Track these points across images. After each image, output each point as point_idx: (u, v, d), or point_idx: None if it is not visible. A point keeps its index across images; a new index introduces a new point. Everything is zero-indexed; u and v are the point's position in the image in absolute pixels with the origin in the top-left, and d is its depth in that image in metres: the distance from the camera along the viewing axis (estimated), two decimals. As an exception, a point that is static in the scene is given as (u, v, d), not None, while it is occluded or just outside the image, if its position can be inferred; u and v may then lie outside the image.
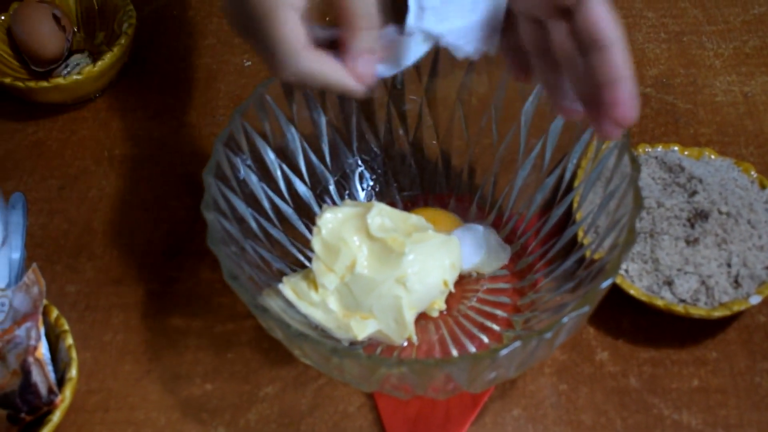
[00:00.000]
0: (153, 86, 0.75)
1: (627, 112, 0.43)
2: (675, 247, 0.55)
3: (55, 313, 0.55)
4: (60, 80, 0.70)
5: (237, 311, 0.59)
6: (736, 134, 0.67)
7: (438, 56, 0.58)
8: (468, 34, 0.47)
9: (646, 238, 0.56)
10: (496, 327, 0.56)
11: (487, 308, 0.57)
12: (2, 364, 0.53)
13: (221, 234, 0.49)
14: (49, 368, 0.53)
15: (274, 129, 0.57)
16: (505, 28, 0.48)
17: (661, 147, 0.62)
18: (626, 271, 0.55)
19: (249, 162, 0.55)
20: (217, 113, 0.72)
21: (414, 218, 0.55)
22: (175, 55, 0.78)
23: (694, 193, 0.57)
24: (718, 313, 0.53)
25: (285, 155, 0.58)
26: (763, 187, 0.59)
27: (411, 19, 0.45)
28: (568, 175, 0.57)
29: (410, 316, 0.53)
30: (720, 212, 0.56)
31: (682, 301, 0.54)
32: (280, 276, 0.55)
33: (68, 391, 0.52)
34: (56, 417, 0.51)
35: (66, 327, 0.55)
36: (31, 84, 0.70)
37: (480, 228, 0.59)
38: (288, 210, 0.58)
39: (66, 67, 0.74)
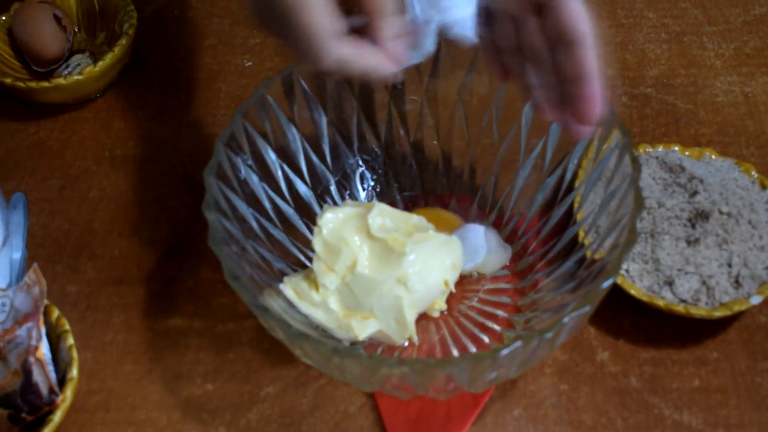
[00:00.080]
0: (154, 86, 0.75)
1: (592, 108, 0.43)
2: (676, 248, 0.55)
3: (56, 313, 0.55)
4: (61, 80, 0.70)
5: (238, 311, 0.59)
6: (737, 134, 0.67)
7: (439, 56, 0.58)
8: (469, 23, 0.47)
9: (647, 238, 0.56)
10: (496, 327, 0.56)
11: (488, 308, 0.57)
12: (3, 364, 0.53)
13: (222, 234, 0.49)
14: (50, 368, 0.53)
15: (275, 129, 0.57)
16: (485, 26, 0.48)
17: (661, 147, 0.62)
18: (627, 271, 0.55)
19: (250, 162, 0.55)
20: (218, 113, 0.72)
21: (415, 218, 0.55)
22: (175, 56, 0.78)
23: (694, 193, 0.58)
24: (718, 313, 0.53)
25: (286, 155, 0.58)
26: (763, 187, 0.59)
27: (417, 8, 0.46)
28: (568, 176, 0.57)
29: (411, 316, 0.53)
30: (721, 212, 0.56)
31: (683, 301, 0.54)
32: (281, 276, 0.55)
33: (69, 391, 0.52)
34: (57, 417, 0.51)
35: (67, 327, 0.55)
36: (32, 84, 0.70)
37: (481, 228, 0.59)
38: (289, 210, 0.58)
39: (67, 67, 0.74)
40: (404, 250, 0.51)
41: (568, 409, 0.53)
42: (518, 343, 0.42)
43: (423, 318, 0.56)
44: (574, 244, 0.55)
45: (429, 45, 0.48)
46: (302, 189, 0.59)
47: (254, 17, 0.47)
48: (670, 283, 0.54)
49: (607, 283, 0.44)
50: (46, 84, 0.70)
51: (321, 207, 0.59)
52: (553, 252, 0.56)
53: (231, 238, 0.50)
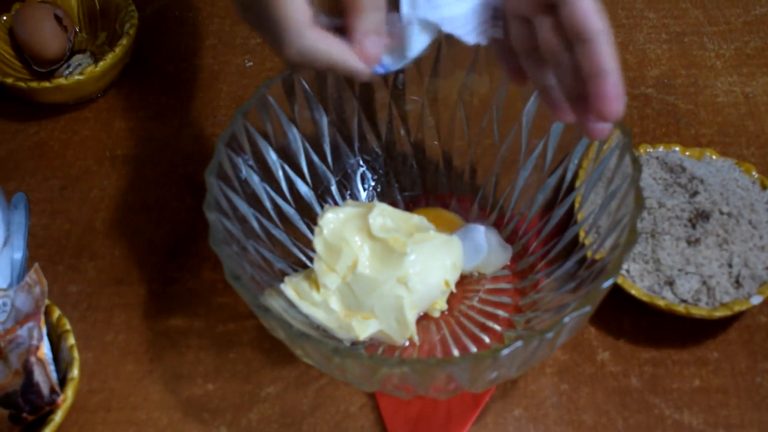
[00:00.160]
0: (155, 86, 0.76)
1: (613, 106, 0.42)
2: (676, 248, 0.55)
3: (57, 313, 0.55)
4: (62, 80, 0.70)
5: (238, 311, 0.59)
6: (738, 135, 0.67)
7: (439, 56, 0.58)
8: (463, 22, 0.47)
9: (648, 238, 0.56)
10: (497, 327, 0.56)
11: (489, 308, 0.57)
12: (4, 364, 0.53)
13: (223, 234, 0.49)
14: (51, 368, 0.53)
15: (275, 129, 0.57)
16: (497, 28, 0.48)
17: (662, 147, 0.62)
18: (627, 271, 0.55)
19: (251, 162, 0.55)
20: (219, 113, 0.72)
21: (415, 218, 0.55)
22: (176, 56, 0.78)
23: (695, 193, 0.58)
24: (719, 314, 0.53)
25: (287, 155, 0.58)
26: (764, 187, 0.59)
27: (404, 7, 0.45)
28: (569, 176, 0.57)
29: (412, 316, 0.53)
30: (721, 213, 0.56)
31: (684, 301, 0.54)
32: (281, 276, 0.55)
33: (70, 391, 0.52)
34: (58, 417, 0.51)
35: (68, 327, 0.55)
36: (33, 84, 0.70)
37: (481, 228, 0.59)
38: (290, 210, 0.58)
39: (68, 67, 0.74)
40: (405, 250, 0.51)
41: (569, 409, 0.53)
42: (519, 343, 0.42)
43: (424, 318, 0.56)
44: (575, 244, 0.55)
45: (414, 50, 0.47)
46: (303, 189, 0.59)
47: (237, 10, 0.47)
48: (670, 283, 0.54)
49: (607, 283, 0.44)
50: (47, 84, 0.70)
51: (322, 207, 0.59)
52: (554, 252, 0.57)
53: (232, 238, 0.50)
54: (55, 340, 0.55)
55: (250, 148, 0.55)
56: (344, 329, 0.52)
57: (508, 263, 0.59)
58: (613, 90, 0.42)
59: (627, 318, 0.57)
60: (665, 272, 0.55)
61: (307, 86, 0.57)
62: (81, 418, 0.55)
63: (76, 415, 0.54)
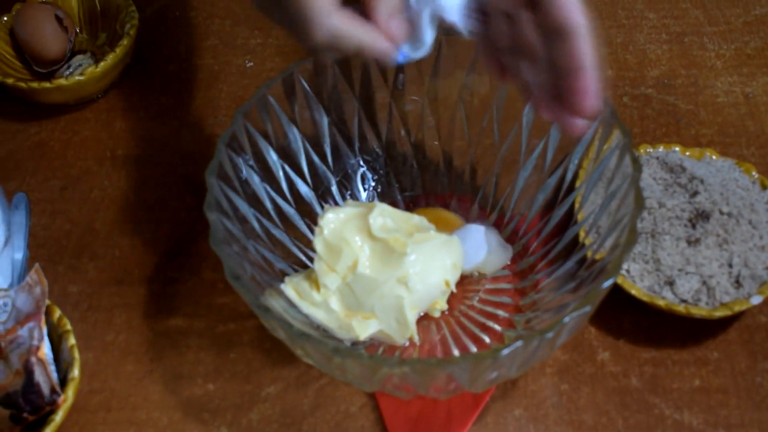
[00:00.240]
0: (155, 87, 0.76)
1: (589, 101, 0.42)
2: (676, 248, 0.55)
3: (57, 313, 0.56)
4: (62, 81, 0.70)
5: (239, 311, 0.59)
6: (738, 135, 0.67)
7: (439, 56, 0.58)
8: (461, 11, 0.47)
9: (648, 238, 0.56)
10: (497, 327, 0.56)
11: (489, 308, 0.57)
12: (5, 364, 0.53)
13: (223, 234, 0.49)
14: (52, 368, 0.53)
15: (276, 129, 0.57)
16: (479, 23, 0.48)
17: (662, 147, 0.62)
18: (627, 271, 0.55)
19: (251, 162, 0.55)
20: (219, 114, 0.72)
21: (416, 218, 0.55)
22: (177, 56, 0.78)
23: (695, 193, 0.58)
24: (719, 314, 0.53)
25: (287, 156, 0.58)
26: (764, 187, 0.59)
27: None
28: (569, 176, 0.57)
29: (412, 316, 0.53)
30: (721, 213, 0.56)
31: (684, 301, 0.54)
32: (282, 276, 0.55)
33: (71, 391, 0.52)
34: (59, 417, 0.51)
35: (68, 327, 0.55)
36: (34, 85, 0.70)
37: (482, 228, 0.59)
38: (290, 210, 0.59)
39: (68, 67, 0.74)
40: (405, 250, 0.51)
41: (569, 409, 0.53)
42: (519, 343, 0.42)
43: (424, 318, 0.56)
44: (575, 244, 0.55)
45: (429, 38, 0.47)
46: (303, 189, 0.60)
47: (254, 1, 0.47)
48: (670, 283, 0.54)
49: (607, 283, 0.44)
50: (47, 84, 0.70)
51: (322, 207, 0.60)
52: (554, 252, 0.57)
53: (232, 238, 0.50)
54: (56, 341, 0.55)
55: (251, 149, 0.55)
56: (344, 329, 0.53)
57: (508, 263, 0.59)
58: (589, 85, 0.42)
59: (627, 318, 0.57)
60: (665, 272, 0.55)
61: (307, 86, 0.57)
62: (81, 418, 0.55)
63: (76, 415, 0.54)
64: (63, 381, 0.53)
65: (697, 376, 0.54)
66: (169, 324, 0.59)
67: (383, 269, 0.52)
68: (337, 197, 0.62)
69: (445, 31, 0.47)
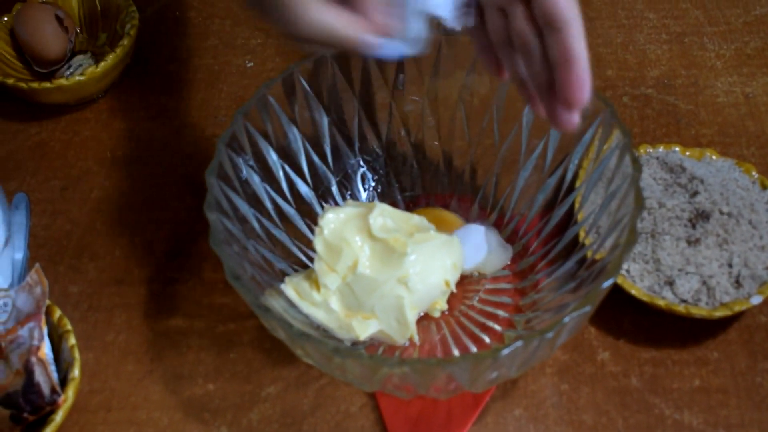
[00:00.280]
0: (155, 87, 0.76)
1: (579, 93, 0.42)
2: (676, 248, 0.55)
3: (57, 313, 0.56)
4: (63, 81, 0.70)
5: (239, 311, 0.59)
6: (738, 135, 0.67)
7: (439, 56, 0.58)
8: (448, 6, 0.47)
9: (648, 238, 0.56)
10: (497, 327, 0.56)
11: (489, 308, 0.57)
12: (5, 364, 0.53)
13: (223, 234, 0.49)
14: (52, 368, 0.53)
15: (276, 129, 0.57)
16: (473, 17, 0.48)
17: (662, 147, 0.62)
18: (627, 271, 0.55)
19: (251, 162, 0.55)
20: (219, 114, 0.72)
21: (416, 218, 0.55)
22: (177, 56, 0.78)
23: (695, 193, 0.58)
24: (719, 314, 0.53)
25: (287, 156, 0.58)
26: (764, 187, 0.59)
27: None
28: (569, 176, 0.57)
29: (412, 316, 0.53)
30: (721, 213, 0.56)
31: (684, 301, 0.54)
32: (282, 276, 0.55)
33: (71, 391, 0.52)
34: (59, 417, 0.51)
35: (69, 327, 0.55)
36: (34, 85, 0.70)
37: (482, 228, 0.59)
38: (290, 210, 0.59)
39: (69, 68, 0.74)
40: (405, 250, 0.51)
41: (569, 409, 0.53)
42: (519, 343, 0.42)
43: (424, 318, 0.56)
44: (575, 244, 0.55)
45: (417, 33, 0.46)
46: (303, 189, 0.60)
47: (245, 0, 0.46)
48: (670, 283, 0.54)
49: (607, 283, 0.44)
50: (48, 85, 0.70)
51: (322, 207, 0.60)
52: (554, 252, 0.57)
53: (232, 239, 0.51)
54: (56, 341, 0.55)
55: (251, 149, 0.56)
56: (344, 329, 0.53)
57: (508, 263, 0.59)
58: (580, 77, 0.42)
59: (627, 318, 0.57)
60: (665, 272, 0.55)
61: (307, 86, 0.57)
62: (82, 419, 0.55)
63: (76, 415, 0.54)
64: (63, 381, 0.53)
65: (697, 376, 0.54)
66: (170, 324, 0.59)
67: (383, 269, 0.52)
68: (337, 197, 0.62)
69: (444, 30, 0.48)
